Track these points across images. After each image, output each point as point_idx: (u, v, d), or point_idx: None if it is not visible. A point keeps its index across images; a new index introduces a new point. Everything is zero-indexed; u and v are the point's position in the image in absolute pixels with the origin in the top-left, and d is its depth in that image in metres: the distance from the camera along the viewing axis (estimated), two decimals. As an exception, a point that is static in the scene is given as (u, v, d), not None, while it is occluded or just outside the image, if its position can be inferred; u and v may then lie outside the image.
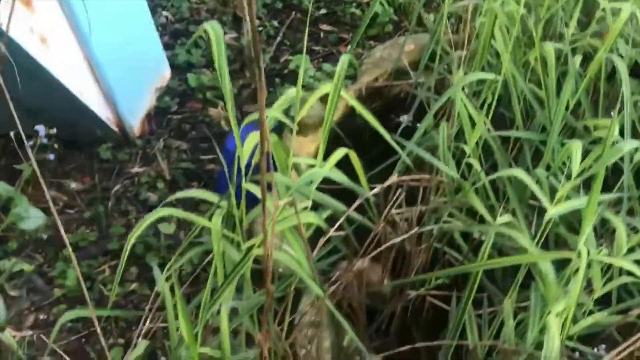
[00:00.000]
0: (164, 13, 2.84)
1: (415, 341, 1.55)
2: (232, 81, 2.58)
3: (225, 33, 2.79)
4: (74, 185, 2.25)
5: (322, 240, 1.05)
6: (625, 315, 1.09)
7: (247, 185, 1.02)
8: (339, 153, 1.05)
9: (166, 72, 2.55)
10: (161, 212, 1.15)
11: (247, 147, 1.01)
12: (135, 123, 2.34)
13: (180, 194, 1.20)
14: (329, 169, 1.01)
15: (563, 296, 1.00)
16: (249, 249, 0.99)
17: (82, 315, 1.53)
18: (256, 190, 1.01)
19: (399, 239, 1.12)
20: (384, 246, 1.10)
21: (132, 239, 1.08)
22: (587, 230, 0.91)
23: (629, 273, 1.09)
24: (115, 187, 2.22)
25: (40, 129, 1.88)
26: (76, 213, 2.18)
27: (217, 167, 2.30)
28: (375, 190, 1.10)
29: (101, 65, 2.11)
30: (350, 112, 1.95)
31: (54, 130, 1.91)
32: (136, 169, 2.28)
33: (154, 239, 2.06)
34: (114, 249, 2.04)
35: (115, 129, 2.27)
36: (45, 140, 1.90)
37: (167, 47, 2.63)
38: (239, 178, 1.06)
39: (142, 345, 1.15)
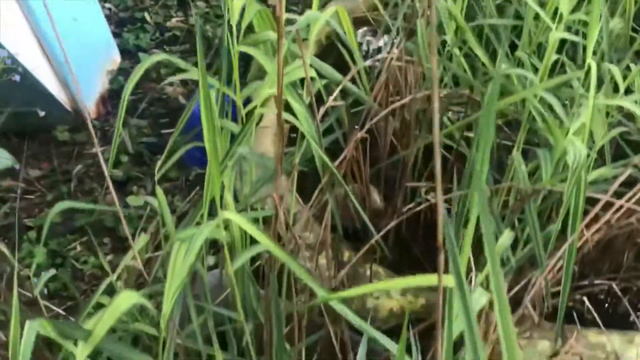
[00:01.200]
0: (107, 5, 2.77)
1: (415, 250, 1.52)
2: (184, 60, 2.52)
3: (171, 17, 2.75)
4: (31, 172, 2.13)
5: (321, 110, 1.00)
6: (626, 167, 1.09)
7: (242, 47, 0.97)
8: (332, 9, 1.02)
9: (116, 56, 2.48)
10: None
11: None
12: (90, 104, 2.25)
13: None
14: (326, 16, 0.97)
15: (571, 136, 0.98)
16: (251, 110, 0.94)
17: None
18: (253, 51, 0.97)
19: (398, 104, 1.09)
20: (378, 116, 1.07)
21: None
22: (594, 37, 0.91)
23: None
24: (77, 168, 2.12)
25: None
26: (37, 198, 2.06)
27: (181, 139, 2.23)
28: (368, 62, 1.07)
29: (51, 43, 2.04)
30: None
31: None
32: (97, 149, 2.18)
33: (124, 211, 1.96)
34: (82, 225, 1.93)
35: (70, 110, 2.18)
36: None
37: (115, 35, 2.56)
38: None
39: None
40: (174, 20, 2.71)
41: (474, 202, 0.61)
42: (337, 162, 1.02)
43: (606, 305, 1.33)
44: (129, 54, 2.54)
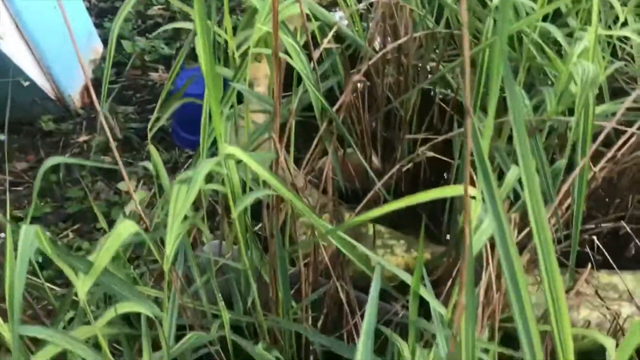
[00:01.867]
0: (86, -3, 2.73)
1: (416, 208, 1.49)
2: (168, 45, 2.49)
3: (152, 4, 2.71)
4: (18, 165, 2.08)
5: (316, 53, 0.97)
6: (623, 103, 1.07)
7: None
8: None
9: (98, 46, 2.44)
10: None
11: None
12: (74, 93, 2.21)
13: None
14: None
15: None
16: (244, 52, 0.91)
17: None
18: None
19: (393, 44, 1.06)
20: (374, 57, 1.03)
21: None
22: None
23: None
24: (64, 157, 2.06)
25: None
26: (25, 190, 2.01)
27: (169, 123, 2.19)
28: (361, 5, 1.04)
29: (32, 32, 2.00)
30: None
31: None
32: (83, 137, 2.14)
33: (115, 197, 1.92)
34: (74, 213, 1.89)
35: (54, 99, 2.13)
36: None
37: (96, 26, 2.52)
38: None
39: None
40: (155, 8, 2.67)
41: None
42: (335, 107, 0.99)
43: (615, 247, 1.31)
44: (112, 44, 2.49)
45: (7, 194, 1.96)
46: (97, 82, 2.34)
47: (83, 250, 1.78)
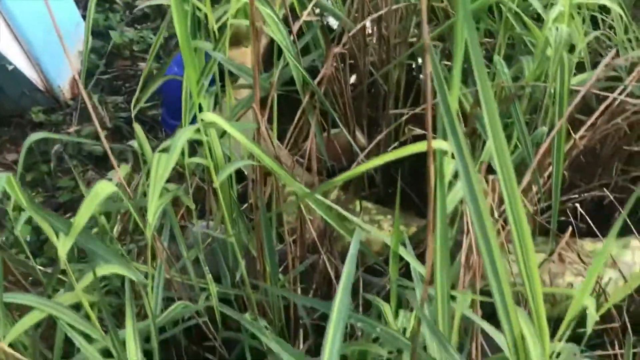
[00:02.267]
0: (73, -10, 2.72)
1: (402, 184, 1.50)
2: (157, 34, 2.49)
3: (140, -4, 2.70)
4: (9, 156, 2.09)
5: (296, 25, 0.98)
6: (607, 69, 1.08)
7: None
8: None
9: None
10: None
11: None
12: (63, 84, 2.21)
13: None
14: None
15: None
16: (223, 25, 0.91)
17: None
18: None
19: (374, 15, 1.06)
20: (355, 28, 1.04)
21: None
22: None
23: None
24: (55, 148, 2.07)
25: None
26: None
27: (159, 112, 2.20)
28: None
29: (19, 23, 2.00)
30: None
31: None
32: (74, 128, 2.14)
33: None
34: (65, 202, 1.90)
35: (43, 90, 2.14)
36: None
37: (84, 18, 2.51)
38: None
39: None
40: (142, -1, 2.68)
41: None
42: (316, 80, 1.00)
43: (600, 217, 1.33)
44: (100, 35, 2.50)
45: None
46: (87, 73, 2.35)
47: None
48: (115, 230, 1.20)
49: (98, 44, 2.43)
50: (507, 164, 0.54)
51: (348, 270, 0.67)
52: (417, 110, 1.06)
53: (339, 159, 1.46)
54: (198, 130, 0.80)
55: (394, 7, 1.08)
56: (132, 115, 1.14)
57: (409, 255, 0.76)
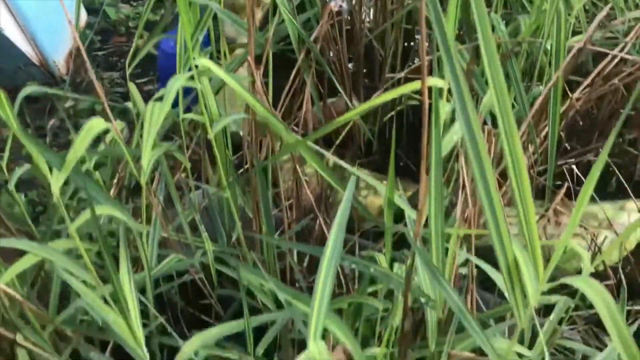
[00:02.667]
0: (69, -33, 2.71)
1: (399, 152, 1.50)
2: (152, 12, 2.48)
3: (137, -27, 2.69)
4: (3, 131, 2.08)
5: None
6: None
7: None
8: None
9: (82, 13, 2.42)
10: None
11: None
12: (59, 60, 2.20)
13: None
14: None
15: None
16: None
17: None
18: None
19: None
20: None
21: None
22: None
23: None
24: (50, 123, 2.07)
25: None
26: (12, 155, 2.00)
27: (155, 87, 2.20)
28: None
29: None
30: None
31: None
32: (69, 103, 2.13)
33: (104, 159, 1.92)
34: (61, 175, 1.89)
35: (37, 63, 2.12)
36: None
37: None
38: None
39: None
40: (138, -25, 2.66)
41: None
42: (312, 37, 0.99)
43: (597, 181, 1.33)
44: (96, 12, 2.49)
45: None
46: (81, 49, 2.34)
47: (71, 208, 1.79)
48: (111, 192, 1.20)
49: (94, 20, 2.42)
50: (507, 109, 0.53)
51: (343, 209, 0.66)
52: (413, 67, 1.05)
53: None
54: (192, 79, 0.80)
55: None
56: (127, 66, 1.13)
57: (402, 203, 0.76)
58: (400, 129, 1.52)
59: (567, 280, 0.49)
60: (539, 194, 1.23)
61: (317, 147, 0.84)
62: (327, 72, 1.05)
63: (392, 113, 1.42)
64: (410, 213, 0.77)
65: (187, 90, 1.02)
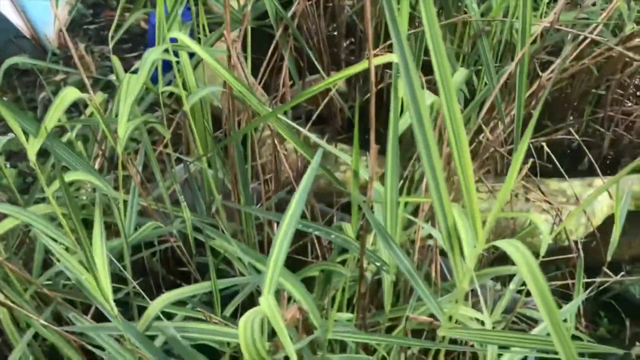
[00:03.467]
0: (61, -60, 2.70)
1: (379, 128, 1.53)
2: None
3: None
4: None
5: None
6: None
7: None
8: None
9: (74, -13, 2.43)
10: None
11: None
12: (49, 33, 2.22)
13: None
14: None
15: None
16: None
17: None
18: None
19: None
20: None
21: None
22: None
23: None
24: (42, 95, 2.09)
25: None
26: (2, 128, 2.04)
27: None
28: None
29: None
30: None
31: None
32: (60, 76, 2.16)
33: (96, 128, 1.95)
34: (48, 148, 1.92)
35: (28, 36, 2.14)
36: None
37: (70, -33, 2.51)
38: None
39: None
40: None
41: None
42: (290, 13, 1.02)
43: (569, 161, 1.37)
44: (88, -15, 2.50)
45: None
46: (74, 23, 2.35)
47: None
48: (96, 164, 1.23)
49: (85, -5, 2.43)
50: (447, 75, 0.56)
51: (308, 176, 0.70)
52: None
53: (318, 104, 1.48)
54: (167, 52, 0.83)
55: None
56: (110, 39, 1.16)
57: (366, 173, 0.80)
58: (380, 106, 1.55)
59: (498, 242, 0.52)
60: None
61: (290, 122, 0.87)
62: (305, 48, 1.08)
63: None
64: (376, 187, 0.80)
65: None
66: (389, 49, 1.40)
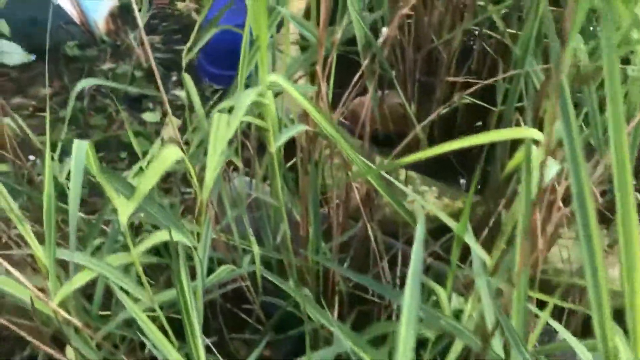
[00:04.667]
0: None
1: (449, 155, 1.45)
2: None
3: None
4: (42, 90, 2.06)
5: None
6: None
7: None
8: None
9: (125, -28, 2.36)
10: None
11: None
12: (99, 19, 2.16)
13: None
14: None
15: None
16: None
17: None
18: None
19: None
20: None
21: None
22: None
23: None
24: (89, 86, 2.03)
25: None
26: (50, 115, 1.99)
27: (195, 56, 2.14)
28: None
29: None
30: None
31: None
32: (108, 65, 2.10)
33: (140, 127, 1.90)
34: (98, 141, 1.87)
35: (78, 22, 2.08)
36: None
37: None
38: None
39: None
40: None
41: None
42: (380, 40, 0.94)
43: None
44: (138, -30, 2.42)
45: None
46: (123, 9, 2.29)
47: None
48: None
49: (136, -20, 2.36)
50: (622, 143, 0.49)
51: (416, 258, 0.63)
52: (490, 81, 1.00)
53: (386, 123, 1.41)
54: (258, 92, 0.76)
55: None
56: (184, 58, 1.09)
57: (472, 242, 0.73)
58: (450, 127, 1.48)
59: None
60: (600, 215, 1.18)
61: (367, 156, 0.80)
62: (391, 77, 1.00)
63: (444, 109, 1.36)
64: (478, 252, 0.73)
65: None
66: (468, 75, 1.32)
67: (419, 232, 0.68)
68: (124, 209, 0.57)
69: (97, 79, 2.02)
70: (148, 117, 1.94)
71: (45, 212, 0.62)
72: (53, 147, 1.86)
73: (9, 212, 0.70)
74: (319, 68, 0.84)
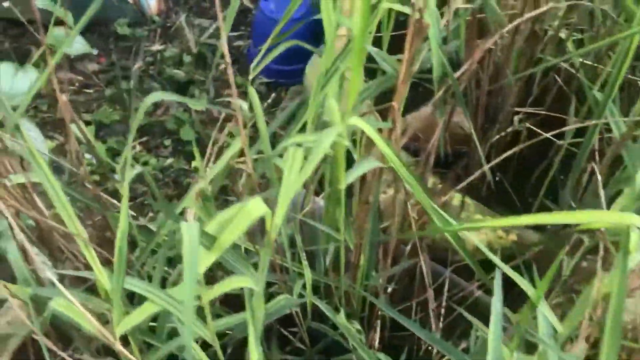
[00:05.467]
0: None
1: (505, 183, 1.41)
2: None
3: None
4: (89, 66, 2.04)
5: (447, 12, 0.88)
6: None
7: None
8: None
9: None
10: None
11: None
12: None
13: None
14: None
15: None
16: None
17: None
18: None
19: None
20: (507, 28, 0.93)
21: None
22: None
23: None
24: (136, 65, 2.02)
25: None
26: (95, 92, 1.98)
27: (245, 44, 2.12)
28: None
29: None
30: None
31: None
32: (157, 46, 2.08)
33: (185, 115, 1.88)
34: (142, 125, 1.86)
35: (131, 1, 2.06)
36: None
37: None
38: None
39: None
40: None
41: None
42: (458, 73, 0.90)
43: None
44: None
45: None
46: (174, -10, 2.26)
47: (149, 165, 1.77)
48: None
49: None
50: None
51: (496, 316, 0.60)
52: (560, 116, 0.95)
53: (444, 143, 1.37)
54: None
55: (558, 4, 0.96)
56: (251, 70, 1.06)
57: (550, 313, 0.70)
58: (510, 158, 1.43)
59: None
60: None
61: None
62: (463, 108, 0.97)
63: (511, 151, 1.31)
64: (553, 322, 0.70)
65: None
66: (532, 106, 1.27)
67: (497, 294, 0.65)
68: (204, 261, 0.55)
69: (143, 64, 2.01)
70: (193, 104, 1.92)
71: (118, 249, 0.61)
72: (94, 126, 1.86)
73: (76, 236, 0.69)
74: (395, 104, 0.81)
